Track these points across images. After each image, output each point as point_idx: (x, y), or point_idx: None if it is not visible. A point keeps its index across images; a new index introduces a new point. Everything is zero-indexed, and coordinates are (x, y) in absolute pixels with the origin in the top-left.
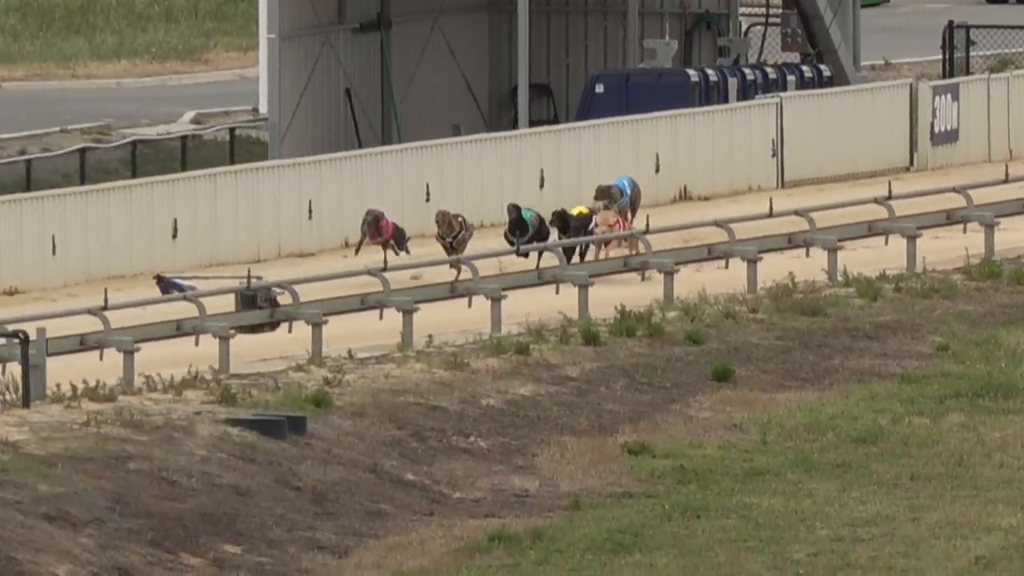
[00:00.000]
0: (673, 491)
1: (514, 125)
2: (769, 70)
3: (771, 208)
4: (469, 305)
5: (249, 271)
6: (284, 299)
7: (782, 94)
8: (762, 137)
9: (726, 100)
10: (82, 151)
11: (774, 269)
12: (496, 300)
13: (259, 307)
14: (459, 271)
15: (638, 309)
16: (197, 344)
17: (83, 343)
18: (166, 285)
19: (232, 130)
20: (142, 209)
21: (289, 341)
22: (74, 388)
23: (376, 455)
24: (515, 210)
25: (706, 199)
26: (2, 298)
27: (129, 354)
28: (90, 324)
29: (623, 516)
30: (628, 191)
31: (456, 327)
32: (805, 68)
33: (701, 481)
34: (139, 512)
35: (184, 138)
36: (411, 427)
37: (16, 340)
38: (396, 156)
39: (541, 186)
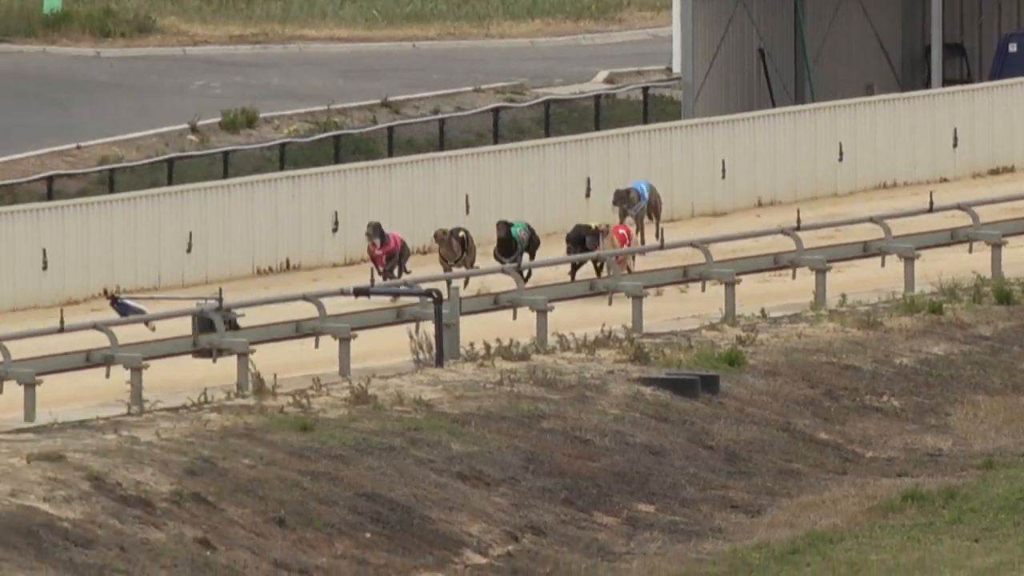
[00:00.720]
0: None
1: (927, 85)
2: None
3: None
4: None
5: (221, 291)
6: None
7: None
8: None
9: None
10: (495, 110)
11: None
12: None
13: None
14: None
15: None
16: (611, 303)
17: (496, 303)
18: (119, 306)
19: (645, 89)
20: (555, 168)
21: (702, 301)
22: (487, 347)
23: (789, 414)
24: (504, 227)
25: None
26: (416, 257)
27: (543, 313)
28: (506, 283)
29: None
30: (646, 195)
31: (869, 286)
32: None
33: None
34: (553, 471)
35: (597, 97)
36: (824, 386)
37: (430, 299)
38: (809, 116)
39: (955, 145)
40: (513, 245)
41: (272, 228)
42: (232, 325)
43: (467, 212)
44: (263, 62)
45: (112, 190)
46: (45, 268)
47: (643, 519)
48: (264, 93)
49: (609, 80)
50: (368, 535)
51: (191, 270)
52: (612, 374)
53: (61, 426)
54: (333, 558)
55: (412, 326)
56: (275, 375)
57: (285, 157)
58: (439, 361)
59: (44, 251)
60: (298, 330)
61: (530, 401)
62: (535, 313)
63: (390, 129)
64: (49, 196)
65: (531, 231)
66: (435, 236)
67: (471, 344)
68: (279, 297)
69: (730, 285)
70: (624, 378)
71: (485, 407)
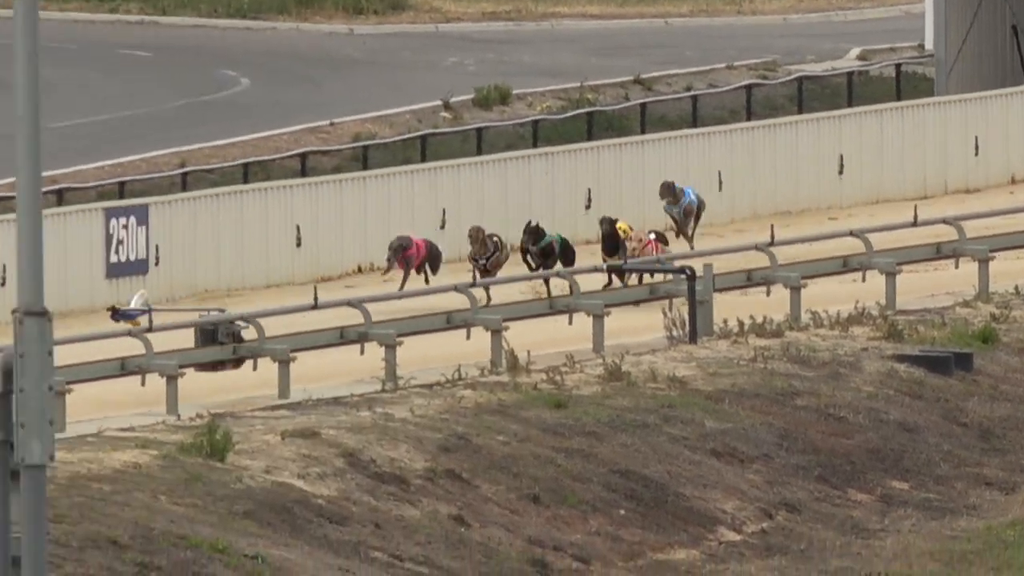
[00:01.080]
0: None
1: None
2: None
3: None
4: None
5: (223, 304)
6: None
7: None
8: None
9: None
10: (748, 87)
11: None
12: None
13: (220, 343)
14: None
15: None
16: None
17: (750, 279)
18: (120, 317)
19: (898, 66)
20: (808, 145)
21: (955, 278)
22: (741, 324)
23: None
24: (533, 233)
25: None
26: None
27: (796, 290)
28: (758, 260)
29: None
30: (694, 199)
31: None
32: None
33: None
34: (806, 448)
35: (850, 74)
36: None
37: (683, 276)
38: None
39: None
40: (550, 250)
41: (525, 204)
42: (236, 338)
43: (720, 189)
44: (516, 39)
45: (365, 167)
46: (299, 245)
47: (897, 496)
48: (517, 70)
49: (862, 57)
50: (622, 512)
51: (444, 247)
52: (866, 351)
53: (315, 403)
54: (587, 535)
55: (666, 303)
56: (528, 352)
57: (538, 134)
58: (692, 338)
59: (298, 228)
60: (551, 307)
61: (784, 378)
62: (788, 290)
63: (643, 106)
64: (303, 173)
65: (564, 242)
66: (469, 233)
67: (724, 321)
68: (531, 276)
69: (984, 262)
70: (878, 355)
71: (739, 384)
